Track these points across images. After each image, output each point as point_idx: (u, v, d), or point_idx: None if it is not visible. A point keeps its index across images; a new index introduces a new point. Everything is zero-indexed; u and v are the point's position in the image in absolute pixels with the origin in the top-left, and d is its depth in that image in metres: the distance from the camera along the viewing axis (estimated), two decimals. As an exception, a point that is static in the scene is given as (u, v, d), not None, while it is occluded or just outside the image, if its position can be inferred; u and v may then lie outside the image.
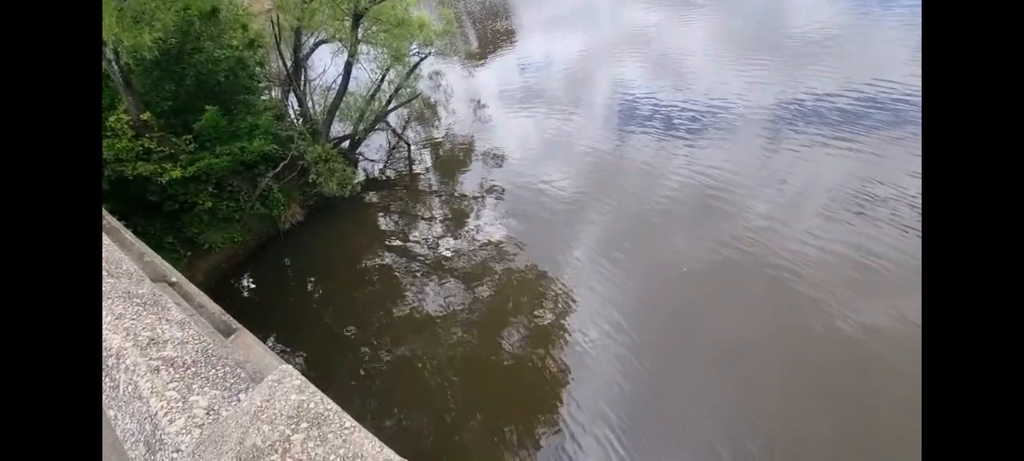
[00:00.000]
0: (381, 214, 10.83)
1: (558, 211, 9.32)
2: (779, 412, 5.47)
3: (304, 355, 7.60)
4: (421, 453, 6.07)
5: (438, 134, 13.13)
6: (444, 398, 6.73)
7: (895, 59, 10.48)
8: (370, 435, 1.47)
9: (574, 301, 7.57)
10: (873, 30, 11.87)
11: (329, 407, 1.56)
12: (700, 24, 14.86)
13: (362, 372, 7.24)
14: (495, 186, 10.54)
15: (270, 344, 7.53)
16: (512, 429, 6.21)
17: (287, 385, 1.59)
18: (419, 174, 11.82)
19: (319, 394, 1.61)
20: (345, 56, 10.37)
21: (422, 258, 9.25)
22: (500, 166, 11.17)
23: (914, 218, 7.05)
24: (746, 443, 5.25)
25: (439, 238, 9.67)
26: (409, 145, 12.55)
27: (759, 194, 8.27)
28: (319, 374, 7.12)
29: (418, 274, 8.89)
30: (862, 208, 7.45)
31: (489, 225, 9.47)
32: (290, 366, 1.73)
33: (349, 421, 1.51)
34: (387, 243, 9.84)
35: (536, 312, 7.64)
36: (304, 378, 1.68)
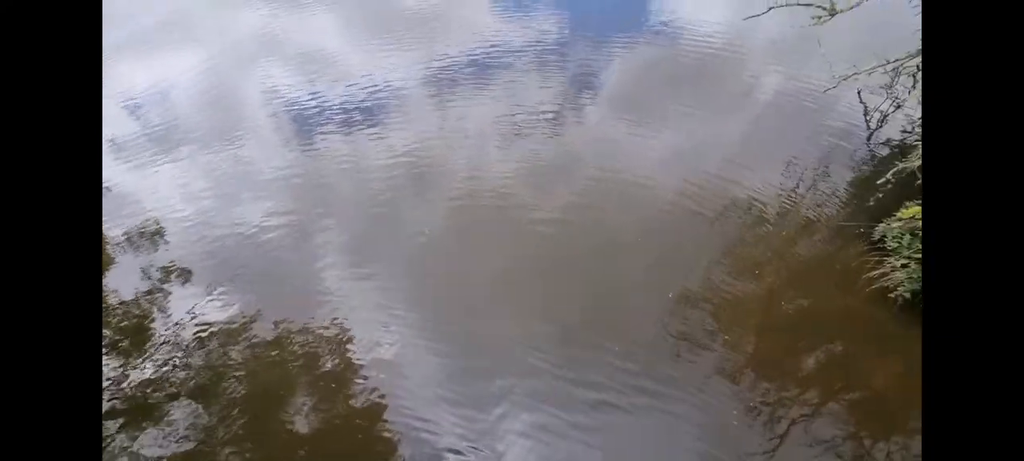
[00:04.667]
0: None
1: (276, 253, 8.02)
2: (550, 300, 6.85)
3: None
4: None
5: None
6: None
7: (482, 19, 13.38)
8: None
9: (347, 330, 6.96)
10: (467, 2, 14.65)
11: None
12: (318, 14, 14.68)
13: None
14: (172, 265, 8.01)
15: None
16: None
17: None
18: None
19: None
20: None
21: (112, 405, 6.32)
22: (164, 238, 8.49)
23: (546, 124, 9.61)
24: (541, 330, 6.40)
25: (126, 368, 6.76)
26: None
27: (453, 148, 9.42)
28: None
29: (119, 426, 6.08)
30: (519, 129, 9.59)
31: (198, 312, 7.25)
32: None
33: None
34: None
35: (314, 368, 6.65)
36: None
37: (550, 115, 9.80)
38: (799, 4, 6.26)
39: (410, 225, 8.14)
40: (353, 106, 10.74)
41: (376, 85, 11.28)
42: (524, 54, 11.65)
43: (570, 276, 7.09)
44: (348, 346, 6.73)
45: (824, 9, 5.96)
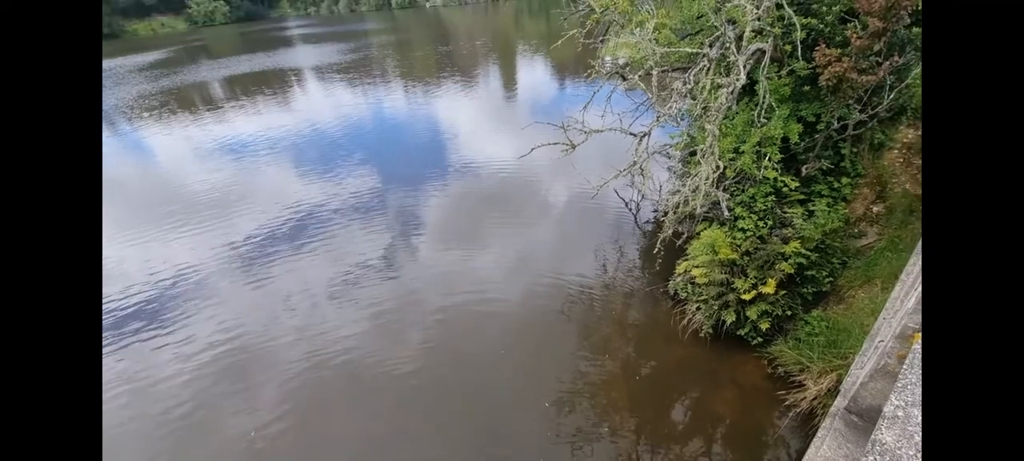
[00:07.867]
0: None
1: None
2: (434, 450, 6.16)
3: None
4: None
5: None
6: None
7: (289, 185, 13.16)
8: None
9: None
10: (257, 172, 14.20)
11: None
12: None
13: None
14: None
15: None
16: None
17: None
18: None
19: None
20: None
21: None
22: None
23: (379, 271, 9.49)
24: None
25: None
26: None
27: (278, 321, 8.31)
28: None
29: None
30: (353, 284, 9.20)
31: None
32: None
33: None
34: None
35: None
36: None
37: (382, 261, 9.76)
38: (552, 145, 8.16)
39: (232, 430, 6.54)
40: (131, 311, 8.70)
41: (167, 280, 9.52)
42: (342, 210, 11.68)
43: (448, 416, 6.58)
44: None
45: (568, 144, 7.91)
